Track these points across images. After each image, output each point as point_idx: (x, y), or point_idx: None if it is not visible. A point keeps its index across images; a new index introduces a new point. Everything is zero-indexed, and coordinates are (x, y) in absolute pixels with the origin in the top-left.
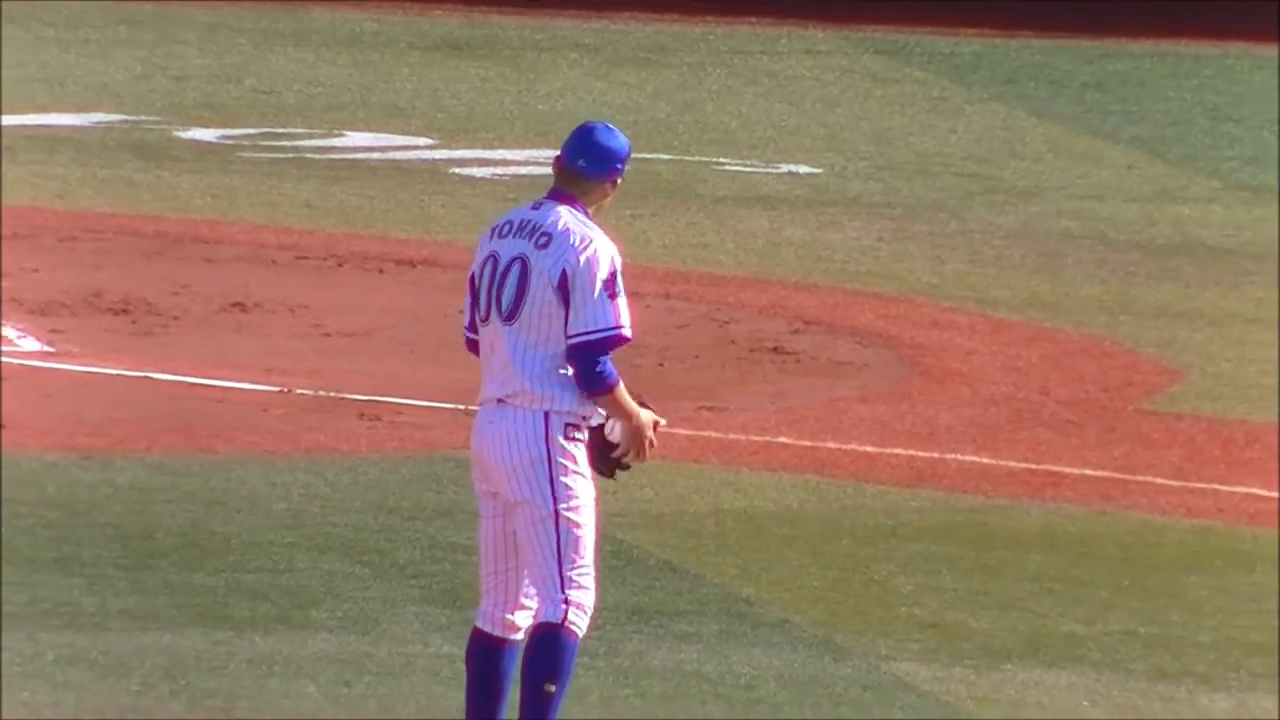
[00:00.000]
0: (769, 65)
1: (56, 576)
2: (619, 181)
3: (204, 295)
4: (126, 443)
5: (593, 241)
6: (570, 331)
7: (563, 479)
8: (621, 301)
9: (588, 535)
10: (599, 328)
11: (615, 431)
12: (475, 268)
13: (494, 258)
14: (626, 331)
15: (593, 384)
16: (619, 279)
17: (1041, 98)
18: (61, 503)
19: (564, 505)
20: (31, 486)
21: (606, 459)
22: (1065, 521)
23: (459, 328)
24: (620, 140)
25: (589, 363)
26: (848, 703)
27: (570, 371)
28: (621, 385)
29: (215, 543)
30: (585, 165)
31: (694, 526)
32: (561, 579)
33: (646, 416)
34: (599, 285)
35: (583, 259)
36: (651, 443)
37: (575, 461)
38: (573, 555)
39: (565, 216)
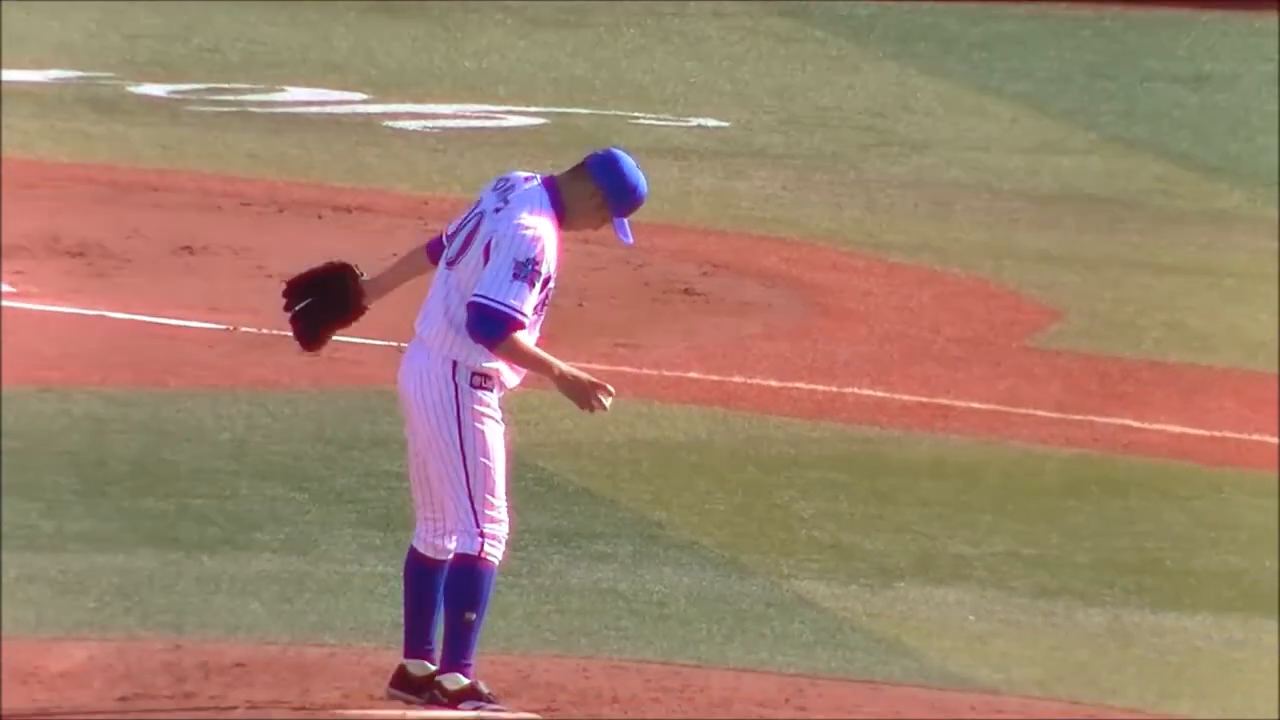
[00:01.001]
0: (680, 26)
1: (16, 501)
2: (611, 207)
3: (154, 239)
4: (82, 376)
5: (532, 226)
6: (474, 291)
7: (471, 423)
8: (527, 289)
9: (498, 473)
10: (494, 299)
11: None
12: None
13: (475, 205)
14: (518, 316)
15: (478, 339)
16: (536, 270)
17: (932, 56)
18: (20, 432)
19: (469, 447)
20: None
21: (581, 391)
22: (954, 451)
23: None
24: (634, 173)
25: (479, 325)
26: (752, 618)
27: None
28: (518, 339)
29: (165, 470)
30: (591, 162)
31: (609, 455)
32: (475, 514)
33: (571, 371)
34: (511, 263)
35: (513, 234)
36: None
37: (483, 405)
38: (483, 493)
39: (532, 195)
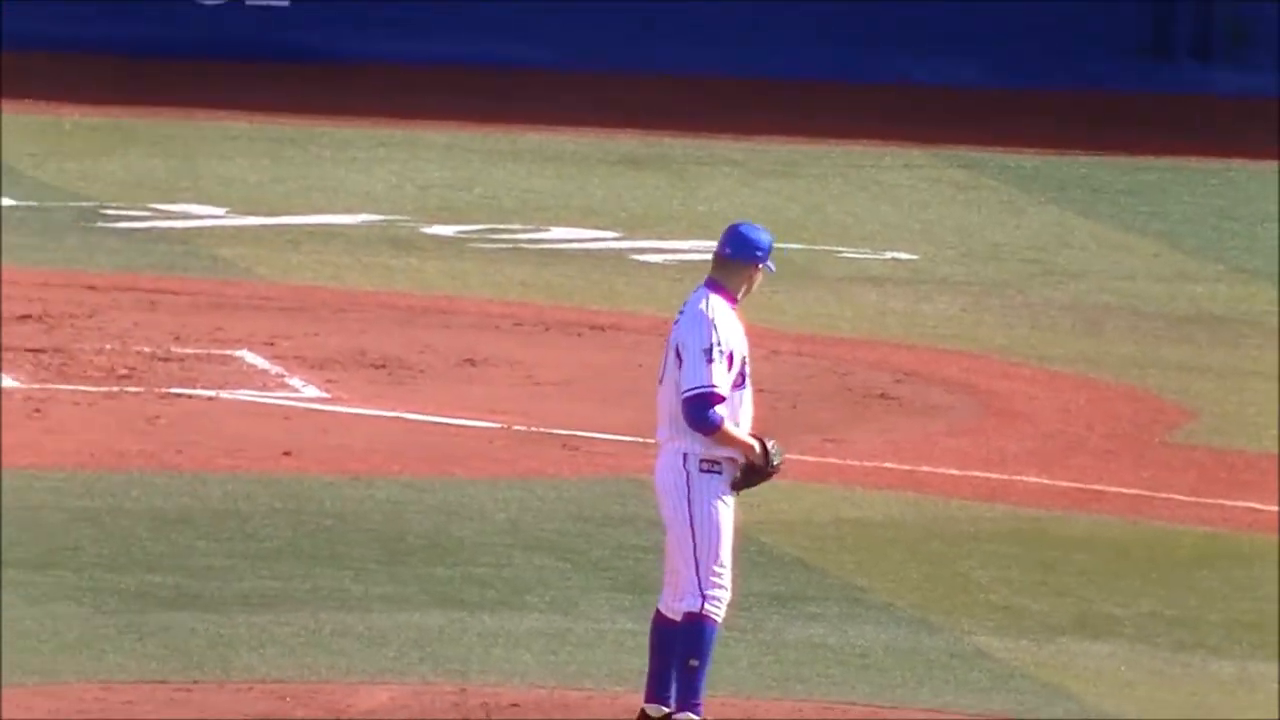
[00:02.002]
0: (876, 176)
1: (331, 569)
2: (761, 266)
3: (443, 353)
4: (384, 467)
5: (700, 318)
6: (680, 389)
7: (700, 501)
8: (716, 370)
9: (724, 544)
10: (692, 385)
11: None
12: None
13: (670, 335)
14: (713, 390)
15: (696, 428)
16: (718, 349)
17: (1085, 201)
18: (334, 513)
19: (697, 522)
20: (313, 501)
21: (748, 480)
22: (1105, 529)
23: (640, 378)
24: (762, 234)
25: (692, 413)
26: (938, 667)
27: None
28: (726, 427)
29: (452, 543)
30: (731, 252)
31: (819, 532)
32: (700, 578)
33: (757, 446)
34: (699, 352)
35: (690, 331)
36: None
37: (711, 487)
38: (709, 560)
39: (698, 297)
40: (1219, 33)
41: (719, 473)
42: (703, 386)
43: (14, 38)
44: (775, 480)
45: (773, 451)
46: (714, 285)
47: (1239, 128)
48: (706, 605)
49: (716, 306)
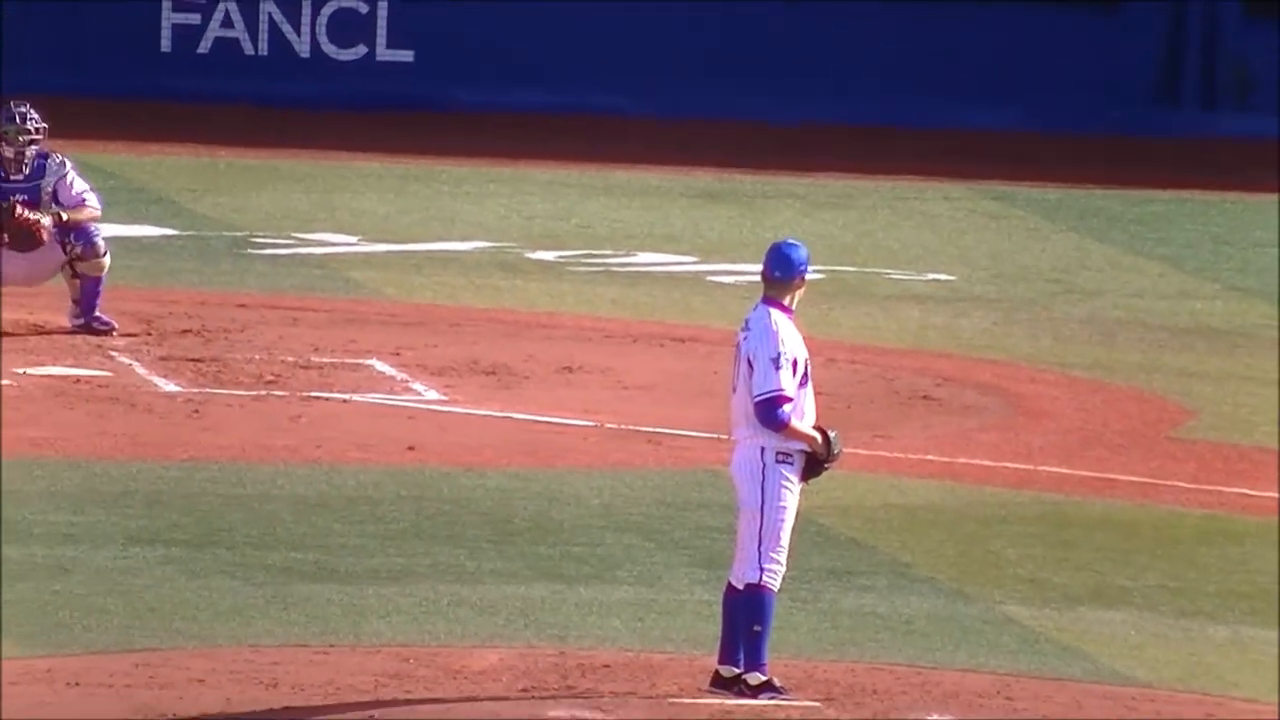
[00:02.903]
0: (919, 207)
1: (448, 548)
2: (805, 278)
3: (545, 362)
4: (495, 460)
5: (764, 330)
6: (753, 394)
7: (772, 487)
8: (784, 375)
9: (786, 526)
10: (762, 390)
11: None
12: None
13: (737, 347)
14: (781, 392)
15: (767, 426)
16: (783, 356)
17: (1101, 229)
18: (451, 499)
19: (768, 505)
20: (433, 489)
21: (812, 470)
22: (1118, 511)
23: (714, 383)
24: (799, 251)
25: (763, 413)
26: (973, 632)
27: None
28: (791, 424)
29: (552, 525)
30: (780, 274)
31: (870, 515)
32: (760, 552)
33: (819, 438)
34: (766, 360)
35: (758, 341)
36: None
37: (783, 476)
38: (771, 538)
39: (759, 312)
40: (1223, 82)
41: (791, 463)
42: (772, 391)
43: (170, 91)
44: (834, 470)
45: (834, 441)
46: (771, 301)
47: (1237, 166)
48: (764, 577)
49: (779, 320)
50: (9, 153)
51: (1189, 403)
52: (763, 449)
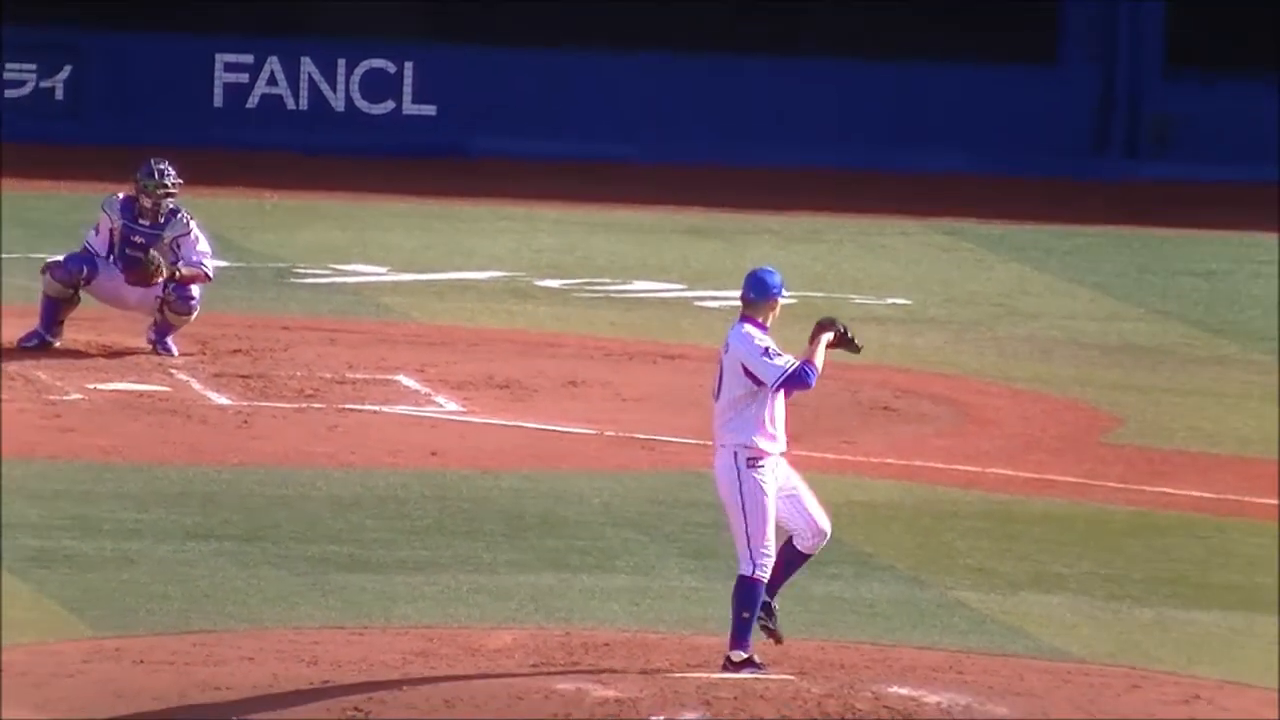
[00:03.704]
0: (880, 241)
1: (467, 542)
2: (779, 300)
3: (552, 377)
4: (508, 463)
5: (748, 338)
6: (770, 386)
7: (749, 489)
8: (781, 358)
9: (769, 521)
10: (778, 374)
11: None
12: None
13: (719, 362)
14: (792, 367)
15: (806, 389)
16: (771, 347)
17: (1039, 259)
18: (470, 498)
19: (748, 505)
20: (454, 489)
21: (848, 344)
22: (1056, 508)
23: (702, 395)
24: (774, 276)
25: (792, 388)
26: (928, 614)
27: (744, 418)
28: (814, 366)
29: (558, 521)
30: (755, 296)
31: (836, 511)
32: (751, 549)
33: (829, 334)
34: (760, 353)
35: (747, 350)
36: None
37: (755, 477)
38: (759, 534)
39: (738, 330)
40: (1146, 132)
41: (762, 465)
42: (783, 371)
43: (222, 140)
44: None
45: (838, 322)
46: (747, 319)
47: (1158, 205)
48: (757, 570)
49: (754, 330)
50: (147, 203)
51: (1118, 412)
52: (735, 454)
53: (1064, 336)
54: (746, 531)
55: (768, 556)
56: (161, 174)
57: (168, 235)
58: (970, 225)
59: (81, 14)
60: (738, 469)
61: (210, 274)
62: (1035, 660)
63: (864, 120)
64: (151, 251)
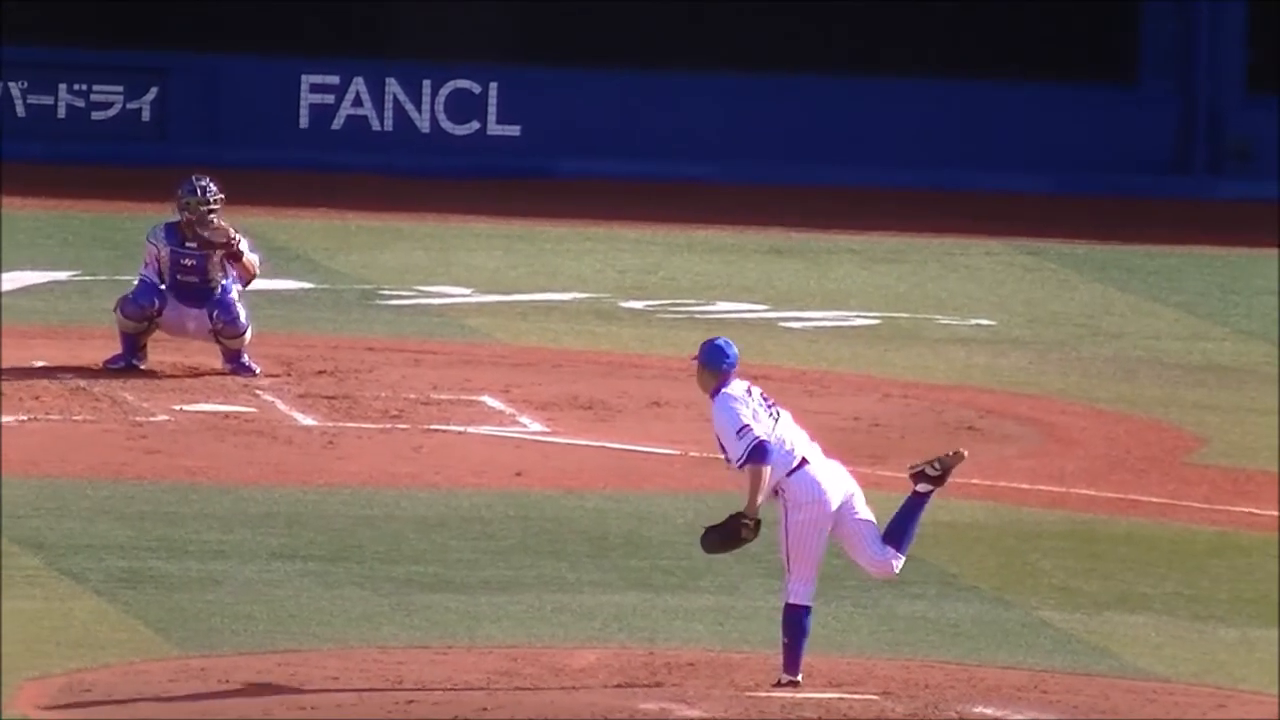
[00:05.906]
0: (964, 261)
1: (551, 561)
2: (724, 369)
3: (636, 398)
4: (591, 483)
5: (719, 412)
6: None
7: (792, 526)
8: (745, 433)
9: (809, 557)
10: (738, 455)
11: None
12: None
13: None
14: (759, 436)
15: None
16: (744, 425)
17: (1123, 279)
18: (554, 518)
19: (792, 541)
20: (537, 509)
21: (729, 534)
22: (1140, 528)
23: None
24: (726, 347)
25: (752, 464)
26: (1012, 634)
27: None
28: (755, 469)
29: (642, 540)
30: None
31: (921, 531)
32: (790, 579)
33: (750, 513)
34: (732, 436)
35: (718, 426)
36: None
37: (796, 516)
38: (799, 566)
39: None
40: (1228, 151)
41: (786, 492)
42: (742, 454)
43: (307, 162)
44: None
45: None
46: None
47: (1240, 224)
48: (791, 598)
49: (720, 402)
50: (191, 218)
51: (1201, 432)
52: (777, 491)
53: (1147, 356)
54: (788, 562)
55: (807, 584)
56: (204, 190)
57: (218, 248)
58: (1053, 245)
59: (168, 36)
60: (784, 506)
61: (258, 262)
62: (1120, 680)
63: (945, 140)
64: (215, 221)
